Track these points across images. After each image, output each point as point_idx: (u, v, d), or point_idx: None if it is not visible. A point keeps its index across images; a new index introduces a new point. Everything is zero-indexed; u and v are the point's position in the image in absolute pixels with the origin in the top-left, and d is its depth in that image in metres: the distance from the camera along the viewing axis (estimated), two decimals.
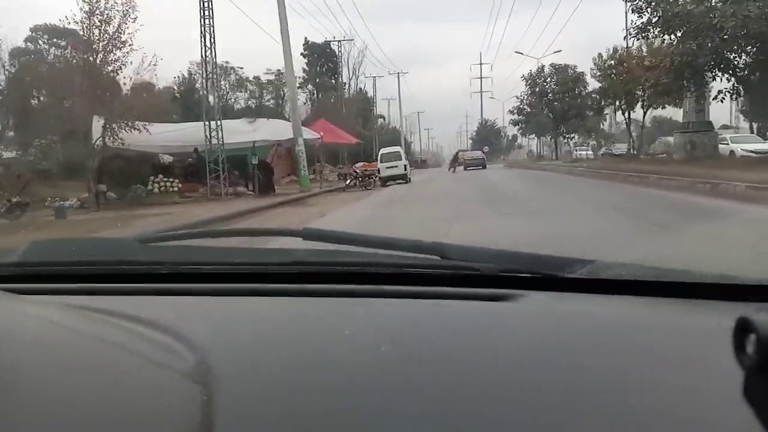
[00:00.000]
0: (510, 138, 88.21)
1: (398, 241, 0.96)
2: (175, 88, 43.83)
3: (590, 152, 43.32)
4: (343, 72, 56.65)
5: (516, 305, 0.78)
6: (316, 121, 35.14)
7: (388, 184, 23.18)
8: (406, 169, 24.85)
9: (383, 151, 26.24)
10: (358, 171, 22.52)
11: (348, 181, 21.75)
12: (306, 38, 51.66)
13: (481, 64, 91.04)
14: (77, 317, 0.67)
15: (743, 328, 0.45)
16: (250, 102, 49.65)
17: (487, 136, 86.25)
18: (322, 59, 59.48)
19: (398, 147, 27.47)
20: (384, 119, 67.93)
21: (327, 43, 49.11)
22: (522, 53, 44.49)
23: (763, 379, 0.44)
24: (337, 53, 49.74)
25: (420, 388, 0.56)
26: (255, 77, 50.54)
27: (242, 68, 45.35)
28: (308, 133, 21.32)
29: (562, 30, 56.52)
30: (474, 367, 0.61)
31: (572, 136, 42.16)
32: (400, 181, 24.25)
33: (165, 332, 0.64)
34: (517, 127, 43.40)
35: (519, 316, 0.77)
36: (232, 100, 46.44)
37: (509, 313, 0.78)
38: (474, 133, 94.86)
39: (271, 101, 52.00)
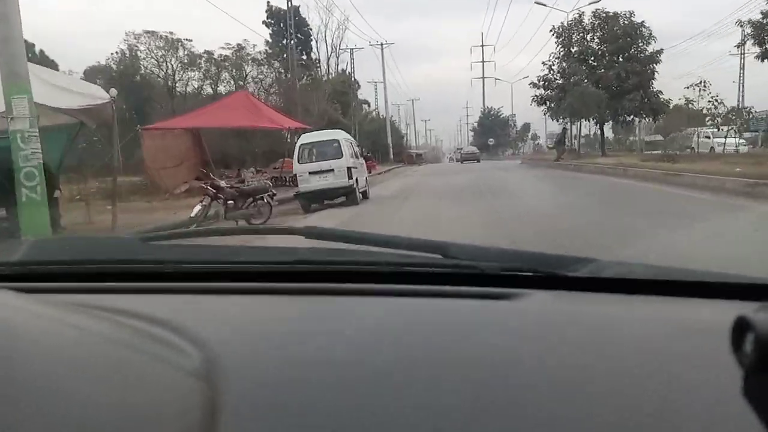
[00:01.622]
0: (520, 128, 73.88)
1: (400, 240, 1.00)
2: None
3: (741, 142, 24.98)
4: (320, 48, 44.65)
5: (518, 304, 0.83)
6: (235, 93, 25.43)
7: (325, 205, 12.89)
8: (351, 177, 13.18)
9: (305, 139, 14.32)
10: (223, 185, 7.91)
11: (196, 210, 7.03)
12: (269, 2, 44.61)
13: (482, 45, 77.30)
14: (81, 315, 0.70)
15: (742, 326, 0.46)
16: (205, 83, 41.60)
17: (491, 127, 72.99)
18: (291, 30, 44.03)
19: (337, 132, 15.04)
20: (369, 105, 54.41)
21: (296, 9, 39.45)
22: (544, 5, 30.00)
23: (761, 378, 0.45)
24: (298, 13, 36.85)
25: (422, 386, 0.59)
26: (207, 51, 41.21)
27: (191, 41, 37.83)
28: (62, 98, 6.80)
29: None
30: (476, 365, 0.64)
31: (630, 118, 27.34)
32: (344, 199, 13.19)
33: (168, 330, 0.68)
34: (543, 107, 28.77)
35: (521, 315, 0.81)
36: (183, 80, 39.63)
37: (511, 312, 0.81)
38: (475, 124, 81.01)
39: (230, 82, 41.94)
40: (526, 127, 76.62)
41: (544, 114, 30.22)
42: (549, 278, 0.88)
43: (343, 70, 52.25)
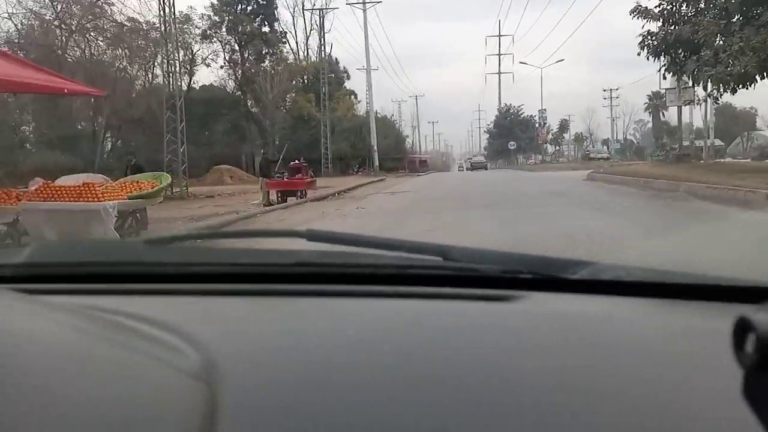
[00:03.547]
0: (555, 127, 58.56)
1: (401, 243, 1.04)
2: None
3: None
4: (297, 25, 38.94)
5: (517, 306, 0.88)
6: None
7: None
8: None
9: None
10: None
11: None
12: None
13: (499, 35, 62.61)
14: (84, 317, 0.75)
15: (743, 327, 0.47)
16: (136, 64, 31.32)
17: (510, 128, 57.86)
18: None
19: None
20: (356, 96, 39.79)
21: None
22: None
23: (762, 378, 0.46)
24: None
25: (422, 387, 0.63)
26: (131, 19, 29.62)
27: (113, 5, 27.72)
28: None
29: None
30: (475, 367, 0.68)
31: None
32: None
33: (170, 332, 0.72)
34: (665, 59, 13.38)
35: (520, 317, 0.86)
36: (108, 61, 28.94)
37: (511, 314, 0.86)
38: (491, 125, 66.09)
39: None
40: (564, 124, 61.90)
41: (664, 73, 15.04)
42: (548, 280, 0.93)
43: (328, 55, 37.89)
